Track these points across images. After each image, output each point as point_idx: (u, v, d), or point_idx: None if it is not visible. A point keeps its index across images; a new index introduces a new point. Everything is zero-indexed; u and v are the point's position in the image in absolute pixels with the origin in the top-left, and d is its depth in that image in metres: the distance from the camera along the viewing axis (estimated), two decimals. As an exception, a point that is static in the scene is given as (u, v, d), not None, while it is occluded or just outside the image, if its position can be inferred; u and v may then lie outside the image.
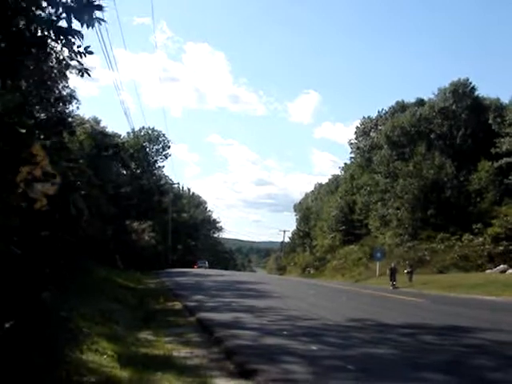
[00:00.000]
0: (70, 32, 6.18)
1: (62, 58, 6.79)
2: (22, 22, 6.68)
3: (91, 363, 6.31)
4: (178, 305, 16.50)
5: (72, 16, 6.09)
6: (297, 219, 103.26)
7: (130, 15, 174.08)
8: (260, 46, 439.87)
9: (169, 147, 72.75)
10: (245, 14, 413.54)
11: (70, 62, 6.78)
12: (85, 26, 6.19)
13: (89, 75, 6.92)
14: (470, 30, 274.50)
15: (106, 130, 57.14)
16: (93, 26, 6.31)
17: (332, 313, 14.81)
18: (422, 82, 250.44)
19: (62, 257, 7.96)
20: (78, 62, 6.74)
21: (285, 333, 10.68)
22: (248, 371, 7.14)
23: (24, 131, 4.99)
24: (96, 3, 6.26)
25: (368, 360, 8.17)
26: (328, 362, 7.99)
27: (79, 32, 6.30)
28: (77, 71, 6.93)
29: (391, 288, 31.84)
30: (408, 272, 35.35)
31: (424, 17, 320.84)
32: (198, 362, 7.93)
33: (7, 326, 4.76)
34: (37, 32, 6.57)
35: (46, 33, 6.48)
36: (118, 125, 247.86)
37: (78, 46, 6.65)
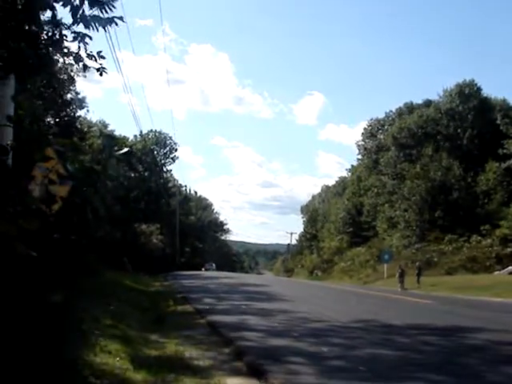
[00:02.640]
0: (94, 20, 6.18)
1: (78, 58, 6.85)
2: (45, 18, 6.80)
3: (105, 365, 6.37)
4: (187, 307, 16.53)
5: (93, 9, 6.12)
6: (304, 221, 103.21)
7: (132, 17, 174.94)
8: (264, 47, 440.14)
9: (176, 150, 73.01)
10: (248, 15, 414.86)
11: (86, 62, 6.86)
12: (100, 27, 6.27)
13: (106, 73, 7.03)
14: (475, 30, 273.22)
15: (114, 133, 57.67)
16: (110, 25, 6.38)
17: (341, 314, 14.81)
18: (428, 84, 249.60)
19: (73, 259, 8.03)
20: (95, 61, 6.84)
21: (295, 334, 10.71)
22: (259, 371, 7.20)
23: (38, 134, 5.06)
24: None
25: (378, 361, 8.21)
26: (338, 362, 8.04)
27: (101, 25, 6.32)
28: (95, 70, 7.02)
29: (399, 290, 31.83)
30: (416, 274, 35.33)
31: (429, 18, 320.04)
32: (210, 362, 7.98)
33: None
34: (54, 34, 6.65)
35: (63, 33, 6.56)
36: (122, 127, 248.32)
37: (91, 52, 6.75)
